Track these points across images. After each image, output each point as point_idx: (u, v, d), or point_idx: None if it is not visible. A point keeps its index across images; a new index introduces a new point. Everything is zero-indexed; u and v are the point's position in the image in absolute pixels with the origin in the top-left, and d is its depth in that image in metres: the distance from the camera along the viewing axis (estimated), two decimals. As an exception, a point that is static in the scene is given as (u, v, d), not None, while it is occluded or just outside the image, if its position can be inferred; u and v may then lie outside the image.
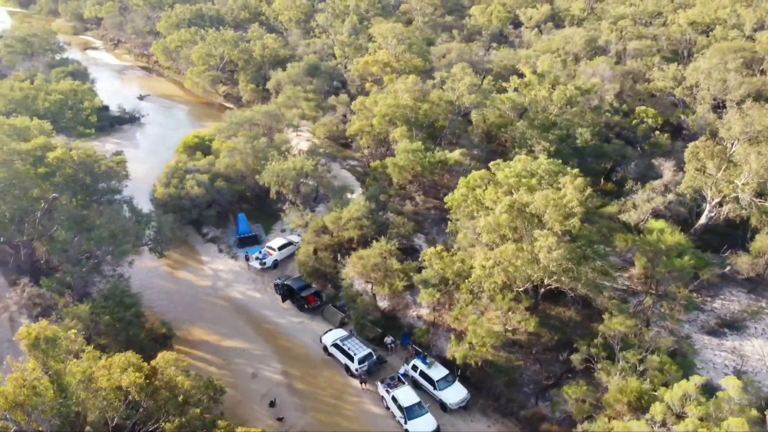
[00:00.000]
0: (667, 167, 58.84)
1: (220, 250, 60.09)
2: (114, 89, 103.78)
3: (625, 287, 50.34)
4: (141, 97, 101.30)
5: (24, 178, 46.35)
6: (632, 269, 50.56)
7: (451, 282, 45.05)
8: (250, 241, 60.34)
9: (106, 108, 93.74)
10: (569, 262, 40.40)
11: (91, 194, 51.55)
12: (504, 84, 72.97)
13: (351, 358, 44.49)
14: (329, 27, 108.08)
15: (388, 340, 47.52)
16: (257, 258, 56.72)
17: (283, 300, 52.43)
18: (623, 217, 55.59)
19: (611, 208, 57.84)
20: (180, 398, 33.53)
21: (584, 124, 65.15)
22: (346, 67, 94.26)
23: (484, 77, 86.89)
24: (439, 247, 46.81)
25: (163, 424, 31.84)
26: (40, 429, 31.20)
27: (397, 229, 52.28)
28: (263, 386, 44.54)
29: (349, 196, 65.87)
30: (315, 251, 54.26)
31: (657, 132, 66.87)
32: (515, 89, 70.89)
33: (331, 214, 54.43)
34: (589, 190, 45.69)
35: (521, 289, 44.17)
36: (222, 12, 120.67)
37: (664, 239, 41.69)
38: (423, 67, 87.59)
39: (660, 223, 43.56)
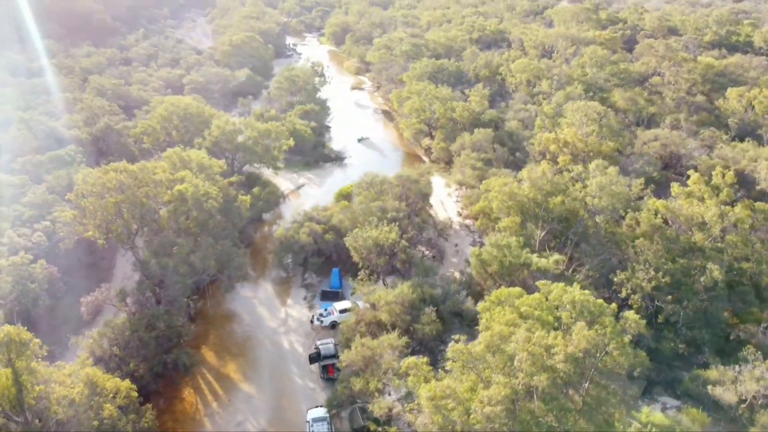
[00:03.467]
0: (808, 343, 43.69)
1: (305, 298, 64.07)
2: (347, 128, 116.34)
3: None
4: (360, 140, 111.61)
5: (135, 203, 56.90)
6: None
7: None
8: (331, 296, 62.93)
9: (323, 145, 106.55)
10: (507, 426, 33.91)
11: (198, 225, 60.27)
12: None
13: (311, 442, 44.23)
14: (551, 94, 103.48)
15: (364, 436, 45.61)
16: (319, 314, 59.17)
17: (311, 362, 53.76)
18: (714, 390, 43.41)
19: (711, 374, 45.52)
20: (95, 423, 38.60)
21: (724, 258, 51.74)
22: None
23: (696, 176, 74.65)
24: (425, 358, 43.09)
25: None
26: (-1, 409, 39.40)
27: (422, 326, 49.45)
28: (238, 437, 47.17)
29: (449, 273, 64.10)
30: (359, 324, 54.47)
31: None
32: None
33: (378, 293, 54.04)
34: (611, 344, 37.36)
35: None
36: (464, 68, 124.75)
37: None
38: (615, 151, 79.12)
39: (693, 412, 32.86)
